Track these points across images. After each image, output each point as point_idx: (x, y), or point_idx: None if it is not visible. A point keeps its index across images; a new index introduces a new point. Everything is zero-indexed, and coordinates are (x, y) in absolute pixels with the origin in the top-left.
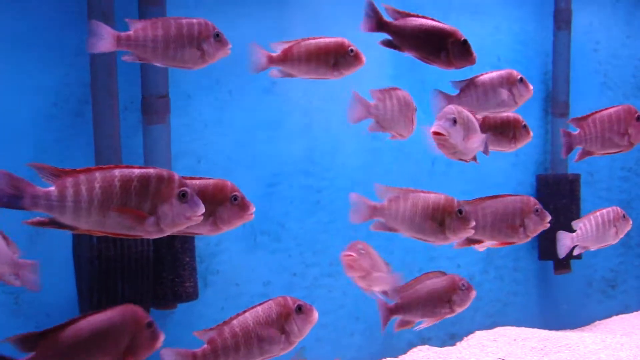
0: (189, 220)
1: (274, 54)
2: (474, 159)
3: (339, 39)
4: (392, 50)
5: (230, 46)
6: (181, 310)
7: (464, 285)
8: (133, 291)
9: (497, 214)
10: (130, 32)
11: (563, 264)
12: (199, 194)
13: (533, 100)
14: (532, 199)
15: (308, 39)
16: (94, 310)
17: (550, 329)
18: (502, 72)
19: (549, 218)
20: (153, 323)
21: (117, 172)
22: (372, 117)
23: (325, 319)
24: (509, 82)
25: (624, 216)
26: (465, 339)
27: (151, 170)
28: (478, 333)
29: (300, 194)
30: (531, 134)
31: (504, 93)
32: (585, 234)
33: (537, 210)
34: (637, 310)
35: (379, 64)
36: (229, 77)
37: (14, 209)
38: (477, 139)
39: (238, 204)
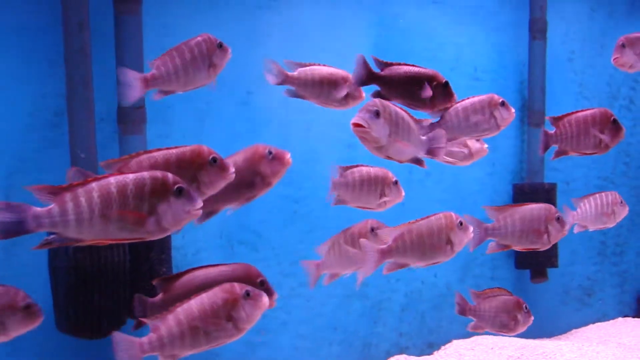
0: (189, 214)
1: (289, 73)
2: (420, 163)
3: (347, 72)
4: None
5: (230, 50)
6: None
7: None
8: (110, 302)
9: (525, 221)
10: (154, 71)
11: (540, 273)
12: (178, 161)
13: None
14: (554, 208)
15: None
16: (73, 319)
17: (527, 337)
18: (483, 96)
19: (567, 226)
20: (265, 282)
21: (112, 179)
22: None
23: (303, 328)
24: (491, 106)
25: (621, 202)
26: (442, 347)
27: (145, 173)
28: (455, 342)
29: (278, 204)
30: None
31: (486, 118)
32: (585, 213)
33: (558, 218)
34: (613, 319)
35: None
36: (204, 88)
37: (20, 235)
38: (412, 141)
39: (218, 166)
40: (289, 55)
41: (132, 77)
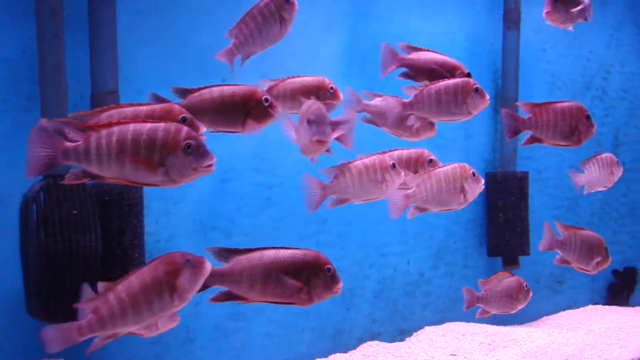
0: (196, 171)
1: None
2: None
3: (319, 78)
4: (343, 48)
5: (297, 2)
6: None
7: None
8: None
9: (441, 183)
10: (235, 40)
11: (511, 260)
12: (147, 118)
13: None
14: (468, 165)
15: (292, 77)
16: (45, 304)
17: (498, 324)
18: (459, 80)
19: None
20: (332, 269)
21: (131, 126)
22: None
23: (275, 315)
24: (464, 92)
25: (617, 162)
26: (414, 334)
27: (160, 124)
28: (427, 328)
29: (251, 191)
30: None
31: (458, 103)
32: (591, 174)
33: (473, 174)
34: (584, 306)
35: (330, 61)
36: (180, 75)
37: (52, 167)
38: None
39: (188, 125)
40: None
41: (219, 54)
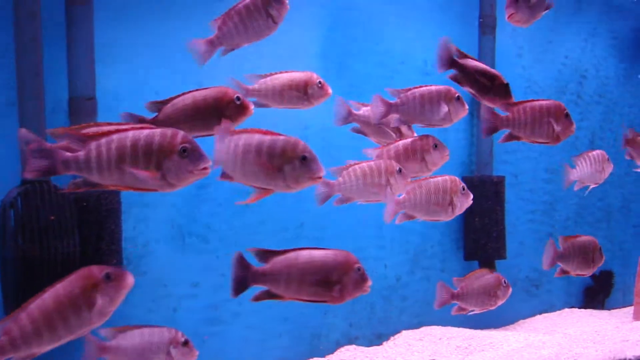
0: (192, 174)
1: (249, 87)
2: None
3: (308, 73)
4: (319, 53)
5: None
6: None
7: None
8: None
9: (431, 193)
10: (217, 32)
11: (488, 264)
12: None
13: None
14: (459, 179)
15: (279, 72)
16: None
17: (475, 328)
18: (441, 87)
19: (471, 197)
20: (362, 269)
21: (130, 133)
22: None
23: (253, 319)
24: (446, 99)
25: (608, 159)
26: (392, 338)
27: (157, 130)
28: (404, 332)
29: (228, 196)
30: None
31: (440, 109)
32: (583, 170)
33: (463, 189)
34: (560, 309)
35: (307, 58)
36: (156, 79)
37: (52, 175)
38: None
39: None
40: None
41: (199, 43)
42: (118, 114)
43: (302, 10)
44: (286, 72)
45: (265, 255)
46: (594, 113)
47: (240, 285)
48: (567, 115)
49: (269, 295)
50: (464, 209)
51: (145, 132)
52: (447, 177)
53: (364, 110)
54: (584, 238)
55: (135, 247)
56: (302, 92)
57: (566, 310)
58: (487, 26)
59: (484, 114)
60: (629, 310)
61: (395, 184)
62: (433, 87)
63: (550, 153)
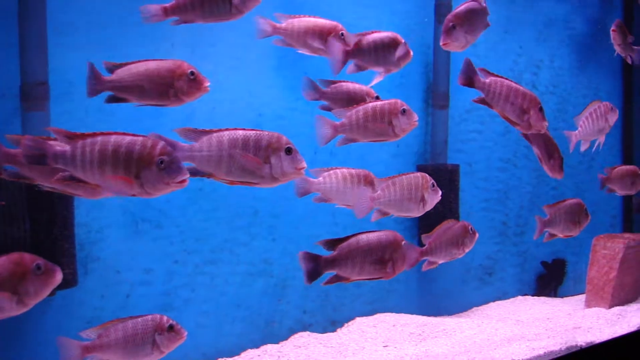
0: (168, 185)
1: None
2: None
3: (334, 22)
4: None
5: None
6: (60, 297)
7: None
8: None
9: (403, 190)
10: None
11: None
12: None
13: (414, 91)
14: (428, 176)
15: (308, 16)
16: None
17: (429, 315)
18: (386, 103)
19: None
20: (409, 244)
21: (113, 138)
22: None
23: (206, 306)
24: (391, 114)
25: (612, 108)
26: (345, 325)
27: (139, 138)
28: (358, 319)
29: None
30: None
31: (384, 126)
32: (586, 129)
33: (433, 185)
34: (513, 297)
35: (262, 56)
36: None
37: (42, 165)
38: None
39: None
40: (191, 30)
41: (154, 7)
42: (70, 98)
43: None
44: (314, 17)
45: (333, 244)
46: (548, 103)
47: (313, 275)
48: (541, 109)
49: (337, 278)
50: (433, 205)
51: (127, 139)
52: (417, 174)
53: (331, 87)
54: (569, 201)
55: (89, 233)
56: (324, 40)
57: (519, 297)
58: (442, 15)
59: (464, 62)
60: (581, 297)
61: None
62: (378, 104)
63: (504, 143)
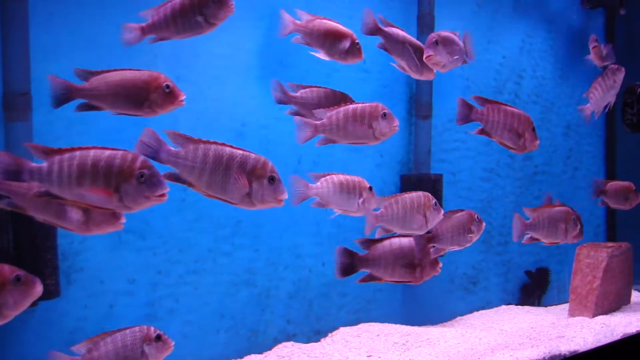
0: (148, 199)
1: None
2: None
3: (349, 31)
4: (259, 52)
5: (232, 5)
6: (43, 308)
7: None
8: None
9: (406, 208)
10: (149, 20)
11: None
12: None
13: (397, 101)
14: (431, 195)
15: (326, 19)
16: None
17: (413, 324)
18: (367, 106)
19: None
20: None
21: (92, 152)
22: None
23: (190, 316)
24: (371, 117)
25: (618, 68)
26: (329, 335)
27: (119, 152)
28: (342, 329)
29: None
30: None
31: (364, 128)
32: (597, 97)
33: (435, 204)
34: (497, 306)
35: (245, 65)
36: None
37: (18, 181)
38: None
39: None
40: (174, 41)
41: (132, 27)
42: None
43: (240, 7)
44: (333, 21)
45: (368, 243)
46: (531, 112)
47: (347, 270)
48: (534, 129)
49: (371, 277)
50: (435, 223)
51: (107, 153)
52: (420, 193)
53: (301, 92)
54: (555, 208)
55: (71, 244)
56: (338, 45)
57: (503, 307)
58: (425, 25)
59: (459, 103)
60: (565, 307)
61: (367, 198)
62: (359, 106)
63: (488, 152)
